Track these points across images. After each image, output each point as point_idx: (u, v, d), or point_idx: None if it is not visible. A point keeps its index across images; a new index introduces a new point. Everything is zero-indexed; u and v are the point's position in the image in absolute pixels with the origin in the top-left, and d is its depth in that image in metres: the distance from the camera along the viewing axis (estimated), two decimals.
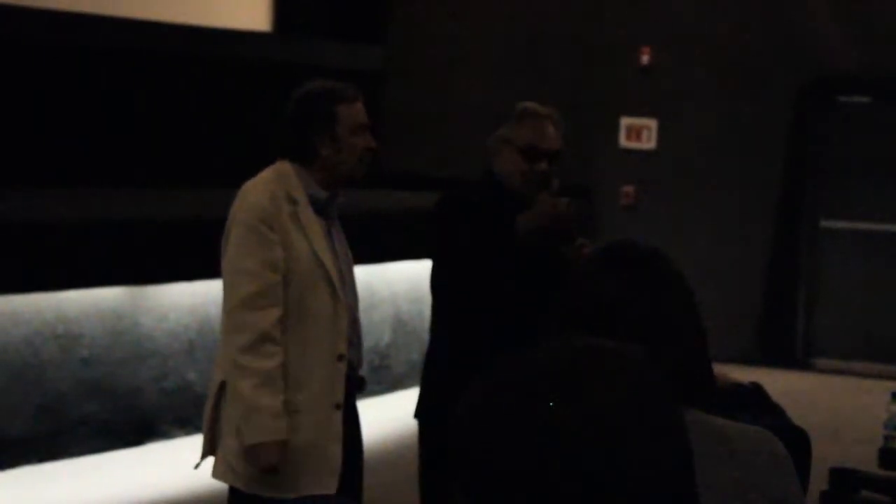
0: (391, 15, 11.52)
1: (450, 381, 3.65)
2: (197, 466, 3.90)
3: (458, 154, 10.51)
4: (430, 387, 4.01)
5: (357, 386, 3.95)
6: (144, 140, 9.26)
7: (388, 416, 7.41)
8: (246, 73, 10.03)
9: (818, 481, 3.29)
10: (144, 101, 9.28)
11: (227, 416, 3.73)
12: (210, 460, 3.84)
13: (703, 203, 10.53)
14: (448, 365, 3.90)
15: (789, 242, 10.36)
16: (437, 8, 11.36)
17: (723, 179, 10.48)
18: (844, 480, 5.35)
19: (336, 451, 3.77)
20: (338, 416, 3.78)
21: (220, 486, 3.83)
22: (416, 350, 8.14)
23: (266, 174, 3.82)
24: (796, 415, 2.80)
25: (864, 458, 5.94)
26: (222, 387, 3.73)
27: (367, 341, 7.93)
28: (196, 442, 3.88)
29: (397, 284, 8.40)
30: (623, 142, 10.79)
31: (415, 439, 4.07)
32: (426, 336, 4.09)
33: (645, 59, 10.69)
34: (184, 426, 6.75)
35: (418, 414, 4.02)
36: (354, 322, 3.89)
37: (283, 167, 3.82)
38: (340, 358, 3.77)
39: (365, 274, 7.76)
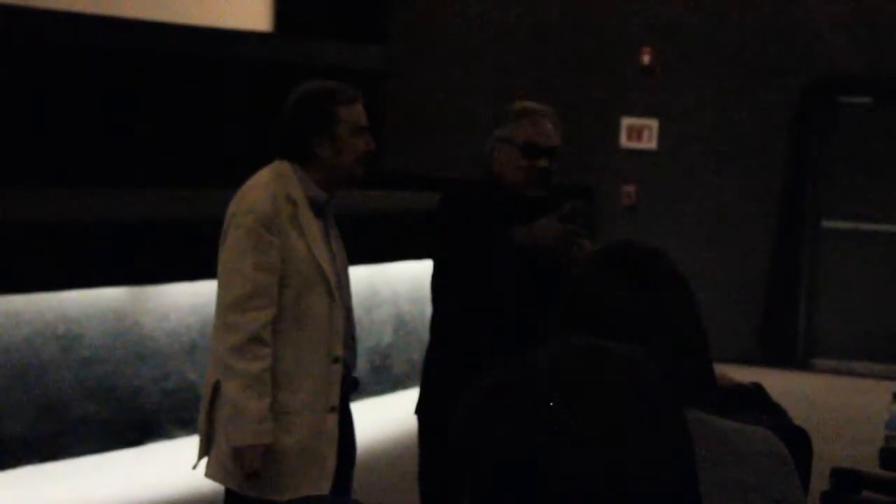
0: (391, 15, 11.51)
1: (450, 381, 3.66)
2: (195, 467, 3.90)
3: (458, 154, 10.52)
4: (431, 386, 4.01)
5: (351, 387, 3.94)
6: (144, 140, 9.26)
7: (389, 416, 7.41)
8: (246, 73, 10.03)
9: (819, 481, 3.29)
10: (144, 101, 9.28)
11: (220, 416, 3.72)
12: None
13: (703, 203, 10.53)
14: (448, 364, 3.90)
15: (790, 242, 10.36)
16: (438, 8, 11.36)
17: (723, 179, 10.48)
18: (845, 480, 5.34)
19: (330, 452, 3.76)
20: (333, 418, 3.77)
21: (221, 486, 3.83)
22: (417, 350, 8.13)
23: (265, 174, 3.79)
24: (796, 415, 2.80)
25: (865, 458, 5.94)
26: (217, 387, 3.72)
27: (369, 341, 7.95)
28: (196, 442, 3.88)
29: (398, 284, 8.40)
30: (624, 142, 10.78)
31: (415, 439, 4.08)
32: (427, 336, 4.09)
33: (646, 59, 10.69)
34: (184, 426, 6.74)
35: (418, 410, 4.02)
36: (349, 324, 3.88)
37: (282, 167, 3.79)
38: (336, 360, 3.77)
39: (366, 274, 7.77)
